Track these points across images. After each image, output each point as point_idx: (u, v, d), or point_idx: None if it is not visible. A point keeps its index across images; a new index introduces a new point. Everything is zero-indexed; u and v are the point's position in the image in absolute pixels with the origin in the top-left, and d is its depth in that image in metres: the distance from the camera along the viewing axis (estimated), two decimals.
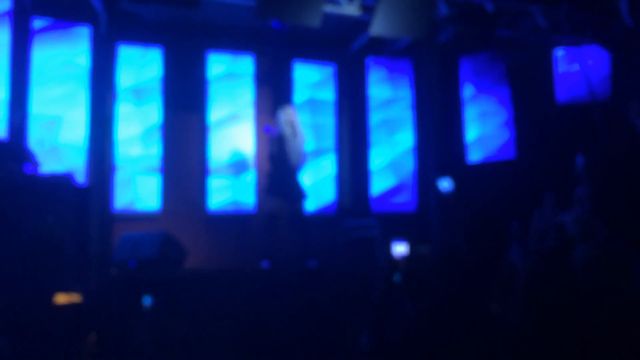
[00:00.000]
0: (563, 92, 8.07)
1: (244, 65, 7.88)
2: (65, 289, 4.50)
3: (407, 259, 2.92)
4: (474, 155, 8.40)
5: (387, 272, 2.76)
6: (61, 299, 4.36)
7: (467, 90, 8.54)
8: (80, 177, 6.47)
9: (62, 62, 6.92)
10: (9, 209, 4.58)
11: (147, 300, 4.65)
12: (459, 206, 6.67)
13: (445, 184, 2.87)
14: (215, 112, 7.67)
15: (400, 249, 2.92)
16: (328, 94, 8.27)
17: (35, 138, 6.60)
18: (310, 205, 7.92)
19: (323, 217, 7.95)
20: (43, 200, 4.85)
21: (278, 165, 6.24)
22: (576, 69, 8.00)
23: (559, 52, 8.13)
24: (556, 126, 7.73)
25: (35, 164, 5.32)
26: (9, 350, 2.98)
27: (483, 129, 8.41)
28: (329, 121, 8.22)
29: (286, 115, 6.34)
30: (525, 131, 8.08)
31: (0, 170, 4.67)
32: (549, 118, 7.89)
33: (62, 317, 4.23)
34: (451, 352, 1.94)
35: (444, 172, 7.12)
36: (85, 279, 5.01)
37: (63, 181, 5.25)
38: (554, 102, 8.05)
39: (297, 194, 6.26)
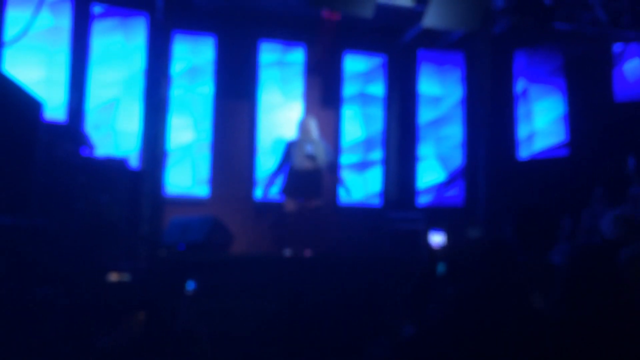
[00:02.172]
0: (621, 89, 7.82)
1: (295, 54, 7.93)
2: (117, 267, 4.66)
3: (445, 249, 2.90)
4: (525, 151, 8.24)
5: (427, 261, 2.77)
6: (112, 276, 4.52)
7: (521, 85, 8.37)
8: (134, 161, 6.67)
9: (119, 48, 7.13)
10: (66, 189, 4.76)
11: (190, 285, 4.77)
12: (507, 202, 6.57)
13: (437, 238, 2.84)
14: (265, 102, 7.76)
15: (437, 238, 2.91)
16: (378, 85, 8.25)
17: (92, 122, 6.83)
18: (357, 196, 7.95)
19: (369, 209, 7.96)
20: (98, 182, 5.02)
21: (289, 167, 6.60)
22: (636, 65, 7.74)
23: (619, 47, 7.87)
24: (612, 124, 7.49)
25: (91, 146, 5.51)
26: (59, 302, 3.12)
27: (536, 124, 8.24)
28: (377, 113, 8.20)
29: (304, 124, 6.71)
30: (579, 128, 7.87)
31: (58, 152, 4.86)
32: (606, 116, 7.66)
33: (113, 294, 4.39)
34: (490, 343, 1.93)
35: (493, 168, 7.01)
36: (136, 259, 5.18)
37: (117, 164, 5.43)
38: (611, 99, 7.81)
39: (311, 195, 6.57)
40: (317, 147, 6.64)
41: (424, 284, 2.67)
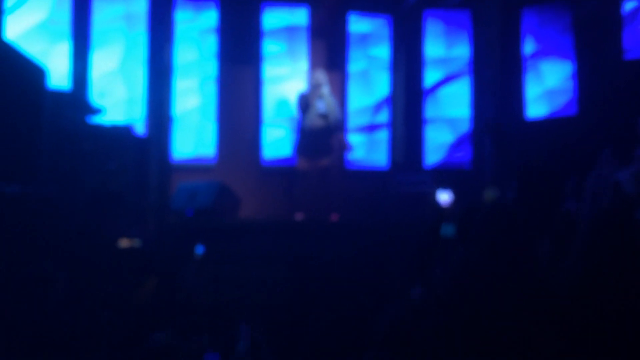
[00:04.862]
0: (631, 47, 7.68)
1: (299, 17, 7.82)
2: (127, 234, 4.70)
3: (454, 210, 2.89)
4: (534, 111, 8.15)
5: (432, 221, 2.77)
6: (123, 242, 4.56)
7: (529, 44, 8.23)
8: (140, 128, 6.65)
9: (121, 14, 7.04)
10: (73, 157, 4.76)
11: (199, 249, 4.82)
12: (515, 163, 6.54)
13: (444, 196, 2.82)
14: (269, 65, 7.68)
15: (444, 197, 2.91)
16: (383, 46, 8.14)
17: (97, 89, 6.79)
18: (363, 160, 7.94)
19: (376, 172, 7.95)
20: (104, 149, 5.02)
21: (303, 125, 6.70)
22: None
23: (630, 4, 7.71)
24: (621, 82, 7.38)
25: (96, 114, 5.49)
26: (66, 284, 3.15)
27: (544, 84, 8.13)
28: (383, 75, 8.12)
29: (315, 79, 6.74)
30: (588, 87, 7.76)
31: (64, 120, 4.84)
32: (615, 74, 7.54)
33: (124, 260, 4.43)
34: (500, 305, 1.94)
35: (501, 129, 6.95)
36: (145, 225, 5.21)
37: (123, 131, 5.43)
38: (620, 57, 7.68)
39: (322, 154, 6.65)
40: (328, 104, 6.64)
41: (430, 244, 2.67)
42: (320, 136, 6.61)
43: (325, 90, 6.65)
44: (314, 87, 6.66)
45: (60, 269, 3.13)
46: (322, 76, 6.73)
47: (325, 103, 6.60)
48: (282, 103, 7.64)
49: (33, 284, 2.95)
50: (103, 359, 3.04)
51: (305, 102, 6.69)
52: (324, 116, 6.57)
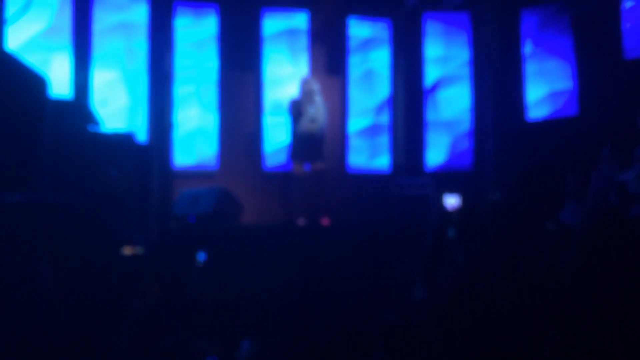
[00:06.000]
0: (630, 47, 7.68)
1: (299, 22, 7.84)
2: (129, 241, 4.71)
3: (460, 212, 2.91)
4: (535, 112, 8.15)
5: (439, 225, 2.78)
6: (126, 250, 4.57)
7: (529, 45, 8.24)
8: (141, 135, 6.67)
9: (121, 22, 7.07)
10: (75, 165, 4.78)
11: (201, 256, 4.83)
12: (515, 164, 6.54)
13: (452, 201, 2.86)
14: (270, 70, 7.70)
15: (451, 201, 2.93)
16: (383, 50, 8.16)
17: (98, 97, 6.81)
18: (364, 163, 7.95)
19: (377, 175, 7.96)
20: (106, 157, 5.03)
21: (295, 131, 6.76)
22: None
23: (628, 3, 7.71)
24: (621, 83, 7.37)
25: (98, 122, 5.51)
26: (52, 281, 3.16)
27: (544, 85, 8.14)
28: (384, 78, 8.13)
29: (307, 85, 6.82)
30: (588, 87, 7.75)
31: (66, 128, 4.86)
32: (615, 73, 7.53)
33: (127, 267, 4.44)
34: (501, 303, 1.95)
35: (501, 130, 6.96)
36: (147, 232, 5.22)
37: (125, 139, 5.43)
38: (620, 56, 7.67)
39: (315, 157, 6.73)
40: (318, 109, 6.72)
41: (436, 248, 2.68)
42: (312, 141, 6.69)
43: (318, 98, 6.74)
44: (307, 93, 6.73)
45: (47, 269, 3.12)
46: (314, 83, 6.79)
47: (315, 108, 6.70)
48: (283, 108, 7.65)
49: (18, 285, 2.95)
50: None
51: (297, 108, 6.76)
52: (313, 120, 6.66)
